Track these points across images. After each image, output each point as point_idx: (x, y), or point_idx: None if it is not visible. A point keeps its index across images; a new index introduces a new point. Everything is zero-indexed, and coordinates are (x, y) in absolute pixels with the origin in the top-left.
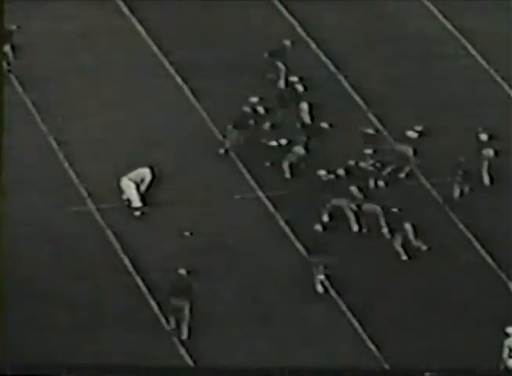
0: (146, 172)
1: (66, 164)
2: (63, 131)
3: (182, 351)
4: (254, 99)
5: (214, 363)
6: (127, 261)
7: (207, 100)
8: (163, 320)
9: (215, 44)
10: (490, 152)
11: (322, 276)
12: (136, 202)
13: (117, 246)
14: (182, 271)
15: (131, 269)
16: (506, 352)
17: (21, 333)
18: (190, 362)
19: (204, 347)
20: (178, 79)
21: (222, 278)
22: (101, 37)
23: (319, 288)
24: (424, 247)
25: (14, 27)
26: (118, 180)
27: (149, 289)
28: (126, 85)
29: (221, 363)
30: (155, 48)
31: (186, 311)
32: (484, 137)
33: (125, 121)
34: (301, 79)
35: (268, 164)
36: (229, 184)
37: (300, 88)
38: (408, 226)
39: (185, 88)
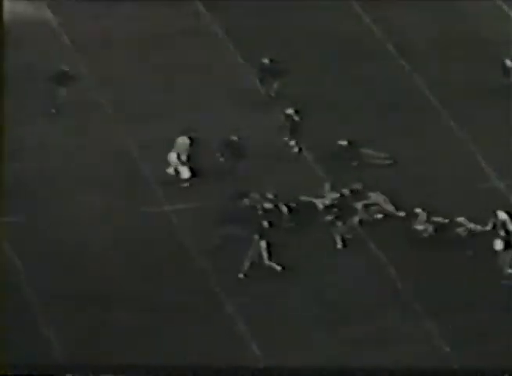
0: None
1: (141, 165)
2: (138, 131)
3: (255, 351)
4: None
5: (288, 364)
6: (202, 262)
7: (284, 101)
8: (233, 318)
9: (293, 44)
10: None
11: None
12: (184, 173)
13: (192, 248)
14: None
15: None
16: None
17: (91, 334)
18: (261, 363)
19: (277, 348)
20: (255, 80)
21: (297, 278)
22: (176, 37)
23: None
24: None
25: (67, 69)
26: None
27: (220, 288)
28: (202, 86)
29: (294, 363)
30: (232, 49)
31: None
32: None
33: (200, 122)
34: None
35: None
36: None
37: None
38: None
39: (261, 88)
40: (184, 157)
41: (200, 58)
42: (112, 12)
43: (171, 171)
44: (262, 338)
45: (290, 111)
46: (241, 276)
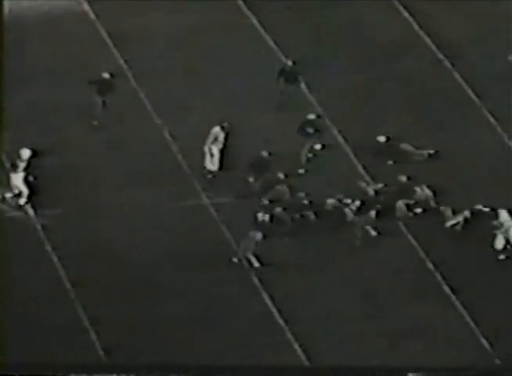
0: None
1: (179, 157)
2: (176, 124)
3: (296, 349)
4: None
5: (328, 361)
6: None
7: (321, 97)
8: (275, 314)
9: (331, 41)
10: None
11: None
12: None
13: (232, 240)
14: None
15: (244, 262)
16: None
17: (134, 326)
18: (304, 360)
19: (316, 342)
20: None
21: (335, 273)
22: (215, 32)
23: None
24: None
25: (107, 75)
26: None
27: (261, 282)
28: (241, 80)
29: (334, 359)
30: (272, 44)
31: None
32: None
33: (237, 118)
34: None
35: None
36: None
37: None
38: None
39: (303, 85)
40: (215, 150)
41: (237, 52)
42: (149, 7)
43: (207, 163)
44: (301, 332)
45: (311, 117)
46: (235, 260)
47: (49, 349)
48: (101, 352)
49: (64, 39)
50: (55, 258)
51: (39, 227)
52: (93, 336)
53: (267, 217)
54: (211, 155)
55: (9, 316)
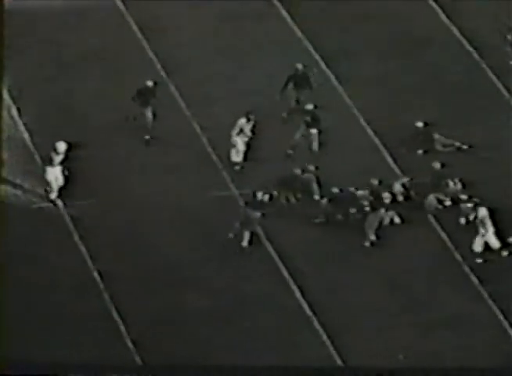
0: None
1: (209, 149)
2: (206, 115)
3: (329, 347)
4: None
5: (361, 358)
6: (269, 247)
7: (351, 86)
8: (305, 306)
9: (364, 30)
10: None
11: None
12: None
13: (260, 232)
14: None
15: (273, 255)
16: None
17: (161, 320)
18: (339, 361)
19: (344, 334)
20: (323, 65)
21: (360, 266)
22: (244, 21)
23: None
24: None
25: (151, 84)
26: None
27: (290, 274)
28: (269, 70)
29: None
30: (300, 34)
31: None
32: None
33: (268, 106)
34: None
35: None
36: None
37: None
38: None
39: (330, 73)
40: (240, 141)
41: (265, 42)
42: None
43: (232, 155)
44: (330, 324)
45: (309, 107)
46: (231, 235)
47: (75, 339)
48: (130, 344)
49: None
50: (83, 249)
51: (68, 218)
52: (122, 327)
53: (266, 197)
54: (236, 147)
55: (36, 306)
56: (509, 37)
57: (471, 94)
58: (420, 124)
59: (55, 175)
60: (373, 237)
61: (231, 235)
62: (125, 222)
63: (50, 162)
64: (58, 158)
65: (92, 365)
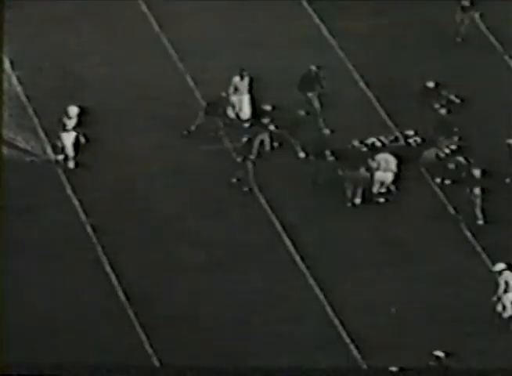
0: None
1: (203, 103)
2: (200, 69)
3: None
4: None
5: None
6: (262, 200)
7: (343, 41)
8: (297, 259)
9: (386, 16)
10: None
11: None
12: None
13: (254, 185)
14: None
15: (265, 206)
16: (501, 287)
17: (160, 271)
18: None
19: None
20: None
21: (358, 220)
22: None
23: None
24: None
25: (224, 95)
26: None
27: (283, 226)
28: (263, 24)
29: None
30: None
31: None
32: None
33: (263, 59)
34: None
35: None
36: None
37: None
38: None
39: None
40: (235, 98)
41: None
42: None
43: (230, 112)
44: (323, 278)
45: (313, 68)
46: (234, 180)
47: (68, 289)
48: (122, 297)
49: None
50: (76, 203)
51: (61, 172)
52: (114, 281)
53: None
54: (231, 105)
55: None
56: None
57: (467, 48)
58: (431, 84)
59: (70, 141)
60: (358, 200)
61: (233, 180)
62: (120, 177)
63: (64, 127)
64: (71, 123)
65: (93, 366)
